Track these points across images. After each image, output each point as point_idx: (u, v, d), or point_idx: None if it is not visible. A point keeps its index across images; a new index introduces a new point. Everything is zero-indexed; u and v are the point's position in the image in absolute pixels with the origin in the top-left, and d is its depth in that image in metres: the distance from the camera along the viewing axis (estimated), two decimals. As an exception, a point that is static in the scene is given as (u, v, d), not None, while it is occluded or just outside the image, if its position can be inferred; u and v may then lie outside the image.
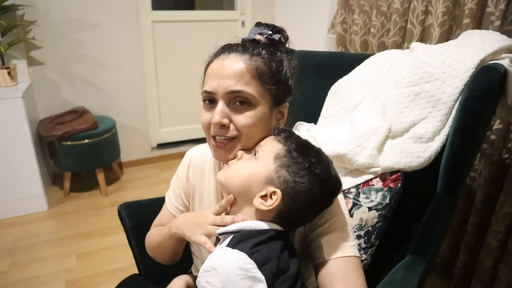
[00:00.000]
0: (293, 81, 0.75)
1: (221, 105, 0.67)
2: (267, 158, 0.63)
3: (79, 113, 2.40)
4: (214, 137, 0.70)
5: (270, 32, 0.73)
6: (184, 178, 0.86)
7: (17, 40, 2.17)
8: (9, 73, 2.13)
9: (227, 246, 0.59)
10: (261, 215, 0.63)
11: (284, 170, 0.61)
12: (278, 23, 0.76)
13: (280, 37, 0.74)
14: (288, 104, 0.76)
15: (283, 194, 0.60)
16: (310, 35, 2.40)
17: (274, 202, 0.60)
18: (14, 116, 2.01)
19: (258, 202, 0.61)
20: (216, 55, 0.72)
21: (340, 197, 0.74)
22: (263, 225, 0.62)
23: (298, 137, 0.67)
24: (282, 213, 0.62)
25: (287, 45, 0.77)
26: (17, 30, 2.20)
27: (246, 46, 0.70)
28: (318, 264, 0.68)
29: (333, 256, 0.66)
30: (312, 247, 0.70)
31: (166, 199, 0.91)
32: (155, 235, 0.87)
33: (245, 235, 0.60)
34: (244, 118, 0.67)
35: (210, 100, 0.70)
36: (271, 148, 0.65)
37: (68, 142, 2.22)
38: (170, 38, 2.75)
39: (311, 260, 0.70)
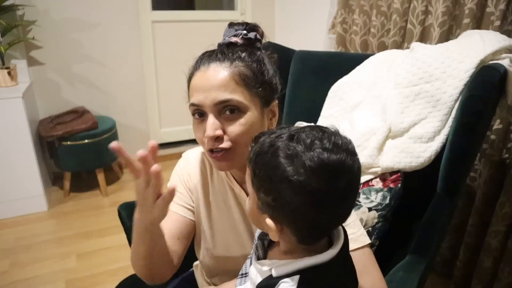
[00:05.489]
0: (278, 77, 0.74)
1: (211, 118, 0.66)
2: (250, 187, 0.54)
3: (79, 113, 2.40)
4: (211, 150, 0.68)
5: (244, 31, 0.72)
6: (186, 177, 0.85)
7: (17, 40, 2.17)
8: (9, 73, 2.13)
9: None
10: (290, 245, 0.54)
11: (261, 194, 0.51)
12: (278, 23, 0.75)
13: (256, 34, 0.72)
14: (277, 101, 0.75)
15: (275, 218, 0.51)
16: (310, 35, 2.40)
17: (274, 231, 0.51)
18: (14, 116, 2.01)
19: (275, 237, 0.52)
20: (196, 67, 0.70)
21: None
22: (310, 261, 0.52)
23: (260, 144, 0.52)
24: (300, 233, 0.51)
25: (263, 41, 0.75)
26: (17, 30, 2.20)
27: (225, 53, 0.68)
28: None
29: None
30: None
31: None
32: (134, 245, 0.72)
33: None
34: (236, 127, 0.66)
35: (200, 113, 0.69)
36: (248, 175, 0.55)
37: (68, 142, 2.22)
38: (170, 38, 2.75)
39: None
